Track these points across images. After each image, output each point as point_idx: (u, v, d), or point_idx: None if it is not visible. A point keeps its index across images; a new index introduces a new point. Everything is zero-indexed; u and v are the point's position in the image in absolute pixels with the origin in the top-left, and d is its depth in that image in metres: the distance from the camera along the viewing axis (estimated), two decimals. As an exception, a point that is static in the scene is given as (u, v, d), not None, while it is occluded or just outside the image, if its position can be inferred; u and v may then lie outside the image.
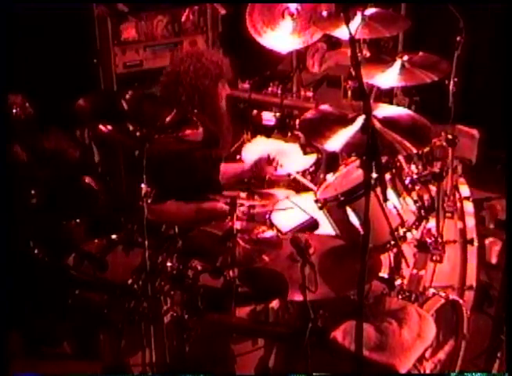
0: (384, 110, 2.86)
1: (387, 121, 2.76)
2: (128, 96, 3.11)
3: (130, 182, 4.09)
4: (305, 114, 2.96)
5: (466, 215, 4.17)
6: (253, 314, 3.10)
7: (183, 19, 4.78)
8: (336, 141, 2.67)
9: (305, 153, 4.13)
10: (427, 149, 3.61)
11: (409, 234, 3.44)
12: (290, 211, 3.76)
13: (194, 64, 3.72)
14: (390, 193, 3.38)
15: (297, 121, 4.32)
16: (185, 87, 3.69)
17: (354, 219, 3.39)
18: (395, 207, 3.40)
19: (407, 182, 3.49)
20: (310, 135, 2.95)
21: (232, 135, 4.00)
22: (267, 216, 3.74)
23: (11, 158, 4.06)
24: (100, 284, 3.03)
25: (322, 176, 3.86)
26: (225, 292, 3.02)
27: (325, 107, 2.95)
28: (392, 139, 2.68)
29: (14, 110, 4.11)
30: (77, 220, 3.42)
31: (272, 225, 3.59)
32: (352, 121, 2.69)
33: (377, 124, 2.70)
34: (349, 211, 3.39)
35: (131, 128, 2.94)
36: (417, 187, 3.53)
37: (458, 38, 3.83)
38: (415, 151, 3.22)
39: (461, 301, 3.47)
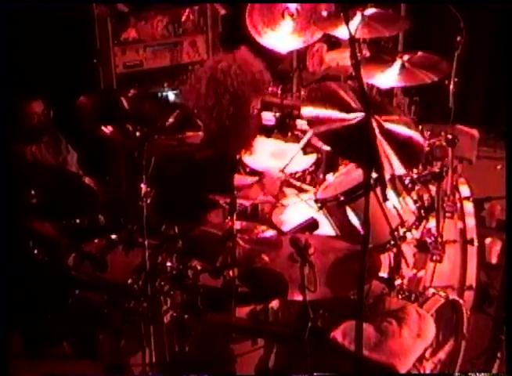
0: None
1: (386, 132, 2.72)
2: (130, 95, 3.10)
3: (130, 182, 4.10)
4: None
5: (466, 215, 4.18)
6: (253, 314, 3.10)
7: (183, 19, 4.78)
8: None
9: (305, 153, 4.13)
10: (427, 148, 3.62)
11: (409, 234, 3.45)
12: (291, 211, 3.77)
13: (235, 68, 3.65)
14: (390, 193, 3.38)
15: (297, 122, 4.33)
16: (228, 87, 3.63)
17: (354, 219, 3.39)
18: (395, 207, 3.40)
19: (407, 182, 3.50)
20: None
21: (250, 144, 3.98)
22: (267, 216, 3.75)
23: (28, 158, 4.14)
24: (100, 284, 3.03)
25: (322, 176, 3.86)
26: (225, 292, 3.02)
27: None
28: (384, 154, 2.63)
29: (36, 117, 4.18)
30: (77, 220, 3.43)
31: (272, 225, 3.58)
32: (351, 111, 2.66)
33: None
34: (349, 211, 3.39)
35: (130, 128, 2.94)
36: (417, 187, 3.53)
37: (458, 38, 3.83)
38: (401, 172, 3.11)
39: (461, 301, 3.47)
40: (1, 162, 3.07)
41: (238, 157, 3.97)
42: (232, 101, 3.60)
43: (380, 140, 2.60)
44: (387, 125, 2.72)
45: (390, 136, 2.63)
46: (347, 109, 2.62)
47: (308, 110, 2.62)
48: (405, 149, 2.64)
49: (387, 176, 3.33)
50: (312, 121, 2.63)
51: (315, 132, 2.64)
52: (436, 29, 5.41)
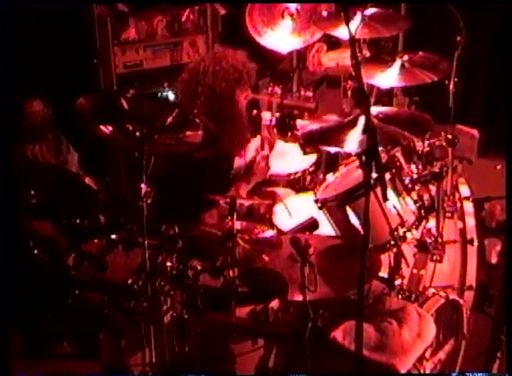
0: (381, 109, 2.87)
1: (386, 117, 2.76)
2: (128, 95, 3.10)
3: (130, 182, 4.09)
4: (304, 128, 2.97)
5: (466, 215, 4.17)
6: (253, 314, 3.10)
7: (183, 19, 4.78)
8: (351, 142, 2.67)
9: (305, 153, 4.13)
10: (427, 148, 3.62)
11: (409, 234, 3.44)
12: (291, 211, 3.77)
13: (214, 66, 3.71)
14: (390, 193, 3.38)
15: (297, 122, 4.33)
16: (203, 87, 3.69)
17: (354, 219, 3.39)
18: (395, 207, 3.40)
19: (407, 182, 3.49)
20: (322, 143, 2.92)
21: (247, 139, 4.00)
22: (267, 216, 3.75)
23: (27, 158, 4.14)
24: (100, 284, 3.03)
25: (322, 176, 3.86)
26: (225, 292, 3.02)
27: (321, 119, 2.95)
28: (393, 131, 2.68)
29: (37, 115, 4.18)
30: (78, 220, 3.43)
31: (272, 225, 3.59)
32: (354, 122, 2.69)
33: (375, 121, 2.70)
34: (349, 211, 3.39)
35: (130, 128, 2.94)
36: (417, 187, 3.53)
37: (458, 38, 3.83)
38: (417, 140, 3.22)
39: (461, 301, 3.47)
40: (1, 162, 3.07)
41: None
42: (207, 101, 3.64)
43: (384, 125, 2.65)
44: (386, 111, 2.77)
45: (392, 118, 2.67)
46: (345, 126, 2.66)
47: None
48: (411, 122, 2.71)
49: (387, 176, 3.36)
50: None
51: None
52: (436, 29, 5.40)
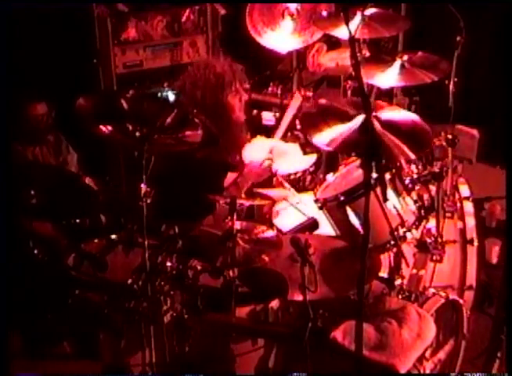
0: (387, 113, 2.83)
1: (388, 124, 2.73)
2: (128, 96, 3.11)
3: (130, 182, 4.10)
4: (308, 108, 2.93)
5: (466, 215, 4.17)
6: (253, 314, 3.10)
7: (183, 19, 4.78)
8: (326, 136, 2.63)
9: (305, 153, 4.13)
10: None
11: (409, 234, 3.45)
12: (290, 211, 3.77)
13: (194, 77, 3.73)
14: (390, 193, 3.38)
15: (297, 121, 4.33)
16: (191, 101, 3.69)
17: (354, 219, 3.39)
18: (395, 207, 3.40)
19: (407, 182, 3.49)
20: (306, 128, 2.87)
21: (244, 141, 4.00)
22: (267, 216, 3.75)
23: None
24: (100, 284, 3.03)
25: (322, 176, 3.86)
26: (225, 292, 3.02)
27: (326, 102, 2.91)
28: (391, 144, 2.65)
29: (41, 118, 4.19)
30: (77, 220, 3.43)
31: (272, 225, 3.59)
32: (351, 119, 2.67)
33: (378, 126, 2.67)
34: (349, 211, 3.39)
35: (130, 128, 2.94)
36: (417, 187, 3.53)
37: (458, 38, 3.83)
38: (413, 157, 3.20)
39: (461, 301, 3.47)
40: (1, 162, 3.07)
41: (237, 158, 3.98)
42: (200, 112, 3.66)
43: (385, 134, 2.62)
44: (388, 117, 2.73)
45: (393, 127, 2.65)
46: (347, 117, 2.63)
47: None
48: (411, 136, 2.67)
49: (387, 176, 3.36)
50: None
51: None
52: (436, 29, 5.40)
